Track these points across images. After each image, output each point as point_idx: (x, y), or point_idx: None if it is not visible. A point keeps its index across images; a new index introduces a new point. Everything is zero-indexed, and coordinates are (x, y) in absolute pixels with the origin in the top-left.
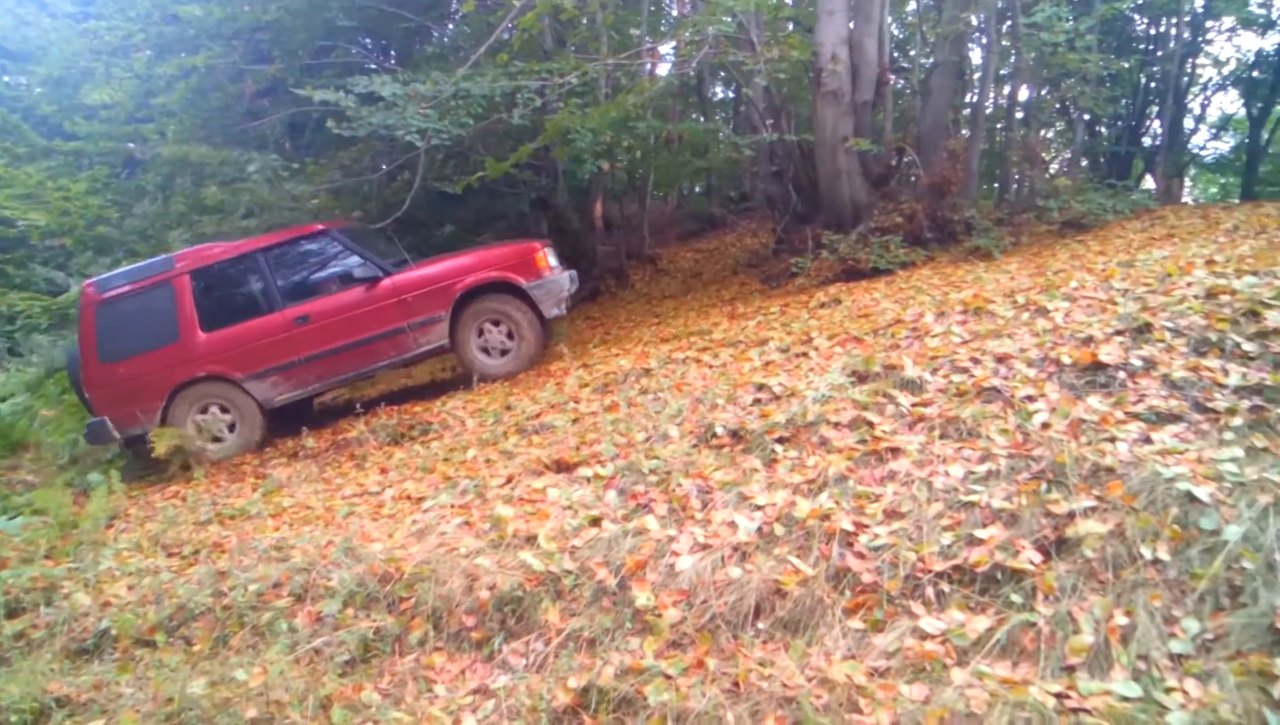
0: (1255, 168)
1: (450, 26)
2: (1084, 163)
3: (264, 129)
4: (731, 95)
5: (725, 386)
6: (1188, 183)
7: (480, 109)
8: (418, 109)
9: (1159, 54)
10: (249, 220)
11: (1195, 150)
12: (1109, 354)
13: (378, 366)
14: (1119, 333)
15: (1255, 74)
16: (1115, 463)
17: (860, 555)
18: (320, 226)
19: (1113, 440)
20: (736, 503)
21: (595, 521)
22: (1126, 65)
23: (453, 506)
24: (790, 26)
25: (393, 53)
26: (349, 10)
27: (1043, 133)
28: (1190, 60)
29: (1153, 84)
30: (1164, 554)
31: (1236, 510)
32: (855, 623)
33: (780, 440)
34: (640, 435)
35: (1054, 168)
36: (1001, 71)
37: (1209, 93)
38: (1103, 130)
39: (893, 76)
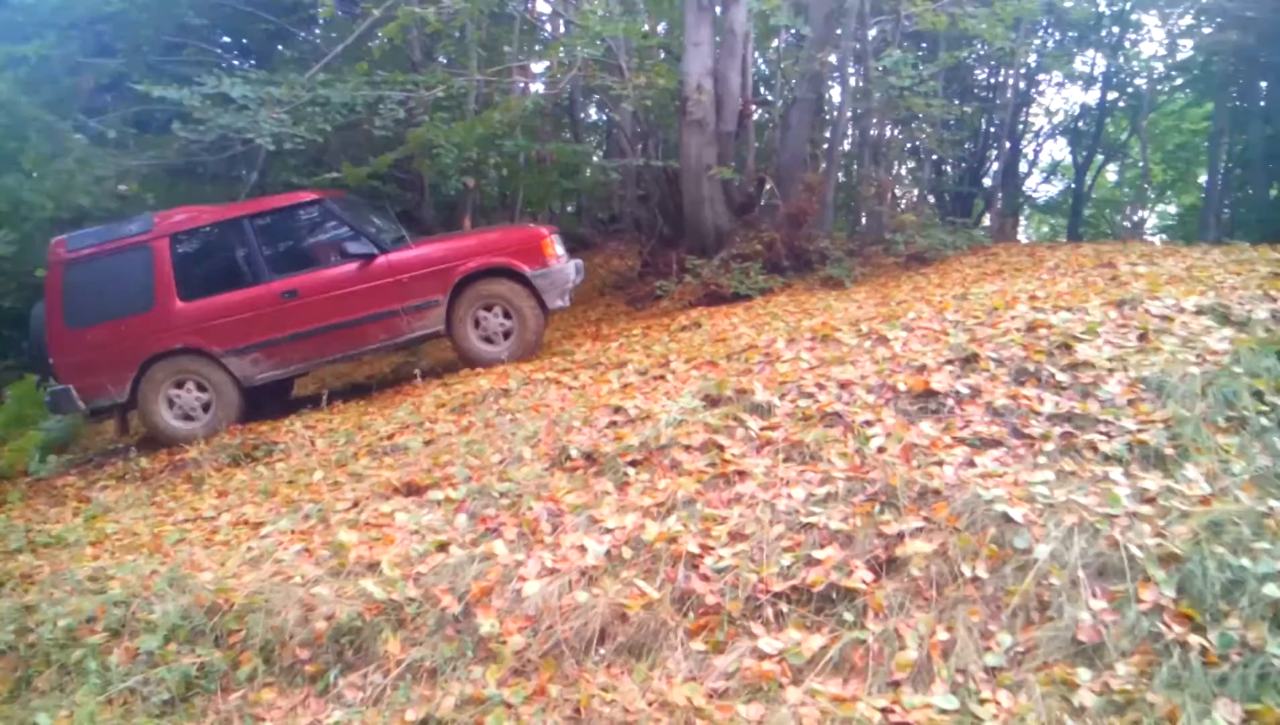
0: (1080, 211)
1: (317, 31)
2: (930, 200)
3: (104, 126)
4: (604, 118)
5: (583, 408)
6: (1022, 222)
7: (340, 116)
8: (270, 113)
9: (997, 102)
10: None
11: (1029, 192)
12: (940, 382)
13: (367, 349)
14: (949, 362)
15: (1080, 125)
16: (942, 485)
17: (705, 577)
18: (314, 195)
19: (940, 464)
20: (587, 526)
21: (442, 547)
22: (968, 111)
23: (293, 532)
24: (662, 55)
25: (252, 55)
26: (201, 7)
27: (894, 170)
28: (1025, 109)
29: (992, 129)
30: (983, 572)
31: (1046, 530)
32: (698, 644)
33: (633, 463)
34: (495, 457)
35: (904, 204)
36: (857, 111)
37: (1041, 140)
38: (948, 170)
39: (756, 109)
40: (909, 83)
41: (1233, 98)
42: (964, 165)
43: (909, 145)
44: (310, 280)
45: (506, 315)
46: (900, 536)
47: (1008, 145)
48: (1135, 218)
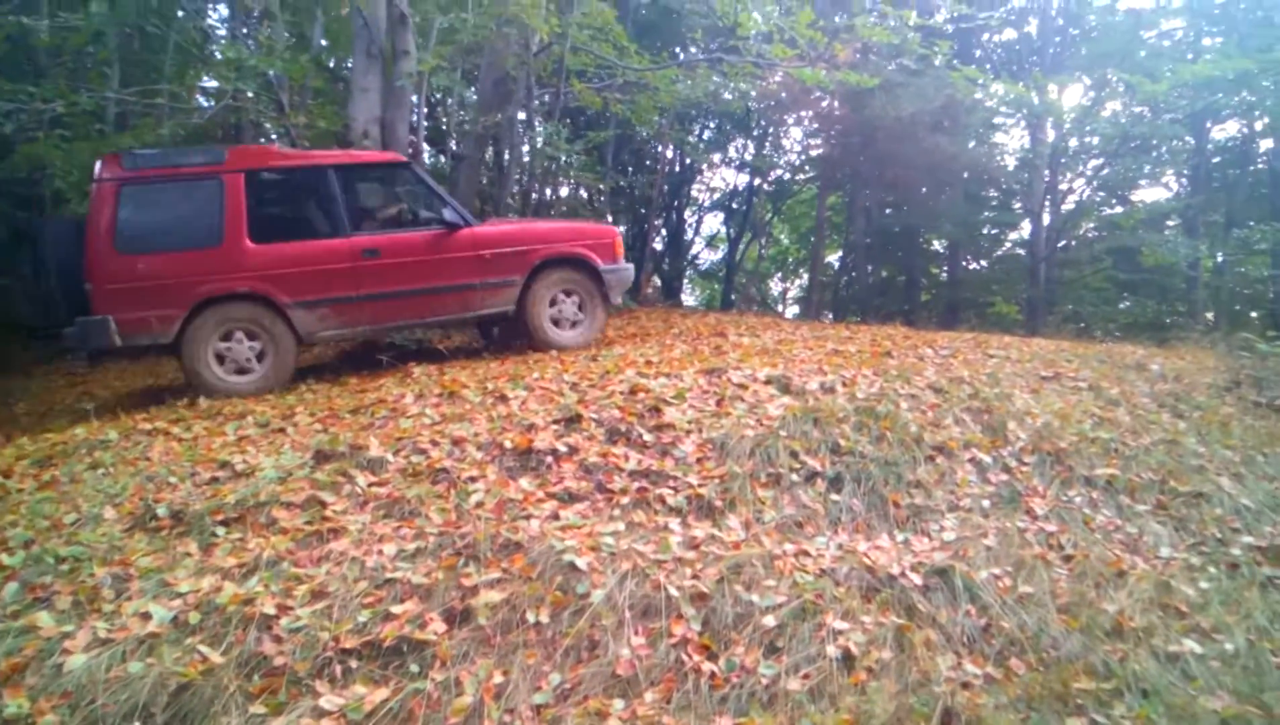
0: (732, 279)
1: None
2: None
3: None
4: None
5: (188, 462)
6: (687, 286)
7: None
8: None
9: (665, 173)
10: None
11: (693, 258)
12: (543, 441)
13: (436, 320)
14: (557, 421)
15: (734, 203)
16: (525, 538)
17: (277, 639)
18: (404, 157)
19: (529, 518)
20: (157, 591)
21: None
22: (629, 181)
23: None
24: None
25: None
26: None
27: None
28: (688, 184)
29: (660, 199)
30: (545, 617)
31: (605, 576)
32: (258, 708)
33: (225, 522)
34: (70, 517)
35: None
36: (521, 175)
37: (702, 212)
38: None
39: (425, 160)
40: (564, 154)
41: (847, 194)
42: (633, 231)
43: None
44: (394, 241)
45: (580, 305)
46: (476, 588)
47: (674, 216)
48: (779, 289)
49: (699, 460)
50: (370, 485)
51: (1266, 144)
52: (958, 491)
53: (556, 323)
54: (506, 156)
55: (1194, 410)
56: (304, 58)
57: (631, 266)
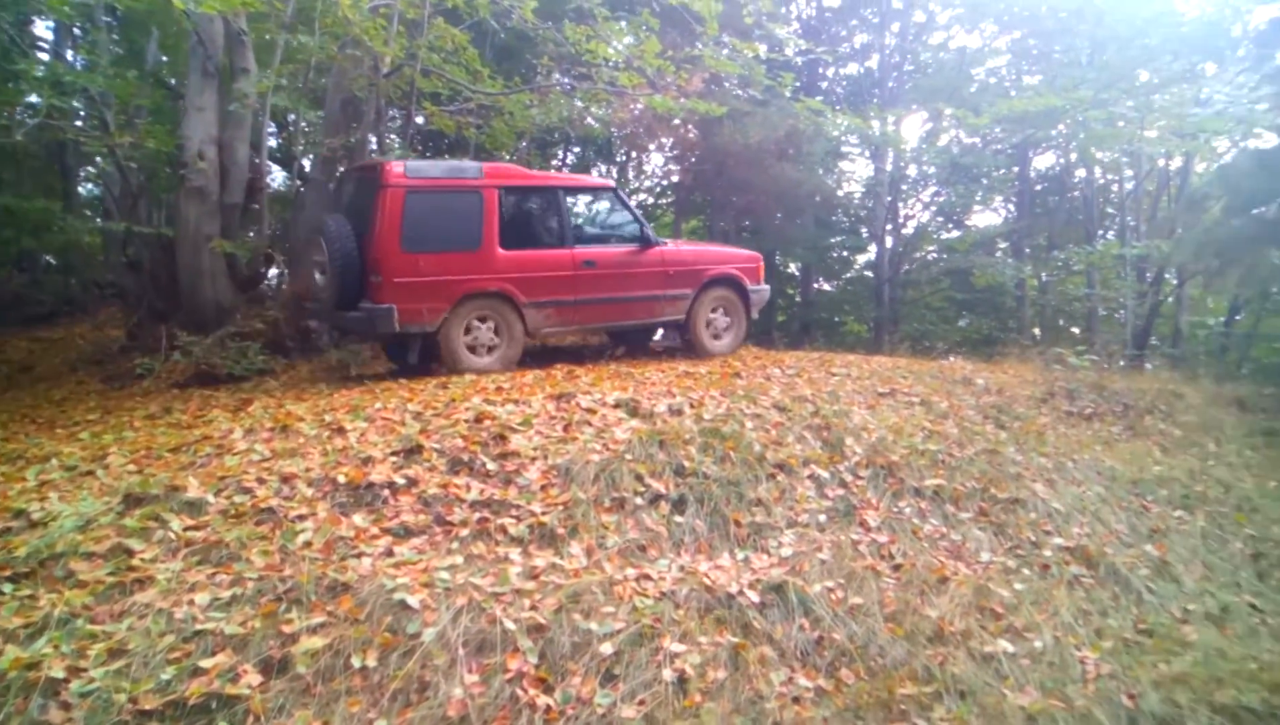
0: None
1: None
2: None
3: None
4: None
5: None
6: None
7: None
8: None
9: None
10: None
11: None
12: (380, 473)
13: (628, 324)
14: (395, 453)
15: None
16: (354, 578)
17: (65, 705)
18: (612, 182)
19: (360, 556)
20: None
21: None
22: None
23: None
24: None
25: None
26: None
27: None
28: None
29: None
30: (372, 661)
31: (438, 613)
32: None
33: (13, 578)
34: None
35: None
36: None
37: None
38: None
39: (270, 183)
40: None
41: (706, 219)
42: None
43: None
44: (605, 254)
45: (729, 319)
46: (297, 635)
47: None
48: None
49: (543, 487)
50: (185, 529)
51: (1081, 173)
52: (797, 507)
53: (715, 335)
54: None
55: (1014, 421)
56: (132, 74)
57: (768, 287)
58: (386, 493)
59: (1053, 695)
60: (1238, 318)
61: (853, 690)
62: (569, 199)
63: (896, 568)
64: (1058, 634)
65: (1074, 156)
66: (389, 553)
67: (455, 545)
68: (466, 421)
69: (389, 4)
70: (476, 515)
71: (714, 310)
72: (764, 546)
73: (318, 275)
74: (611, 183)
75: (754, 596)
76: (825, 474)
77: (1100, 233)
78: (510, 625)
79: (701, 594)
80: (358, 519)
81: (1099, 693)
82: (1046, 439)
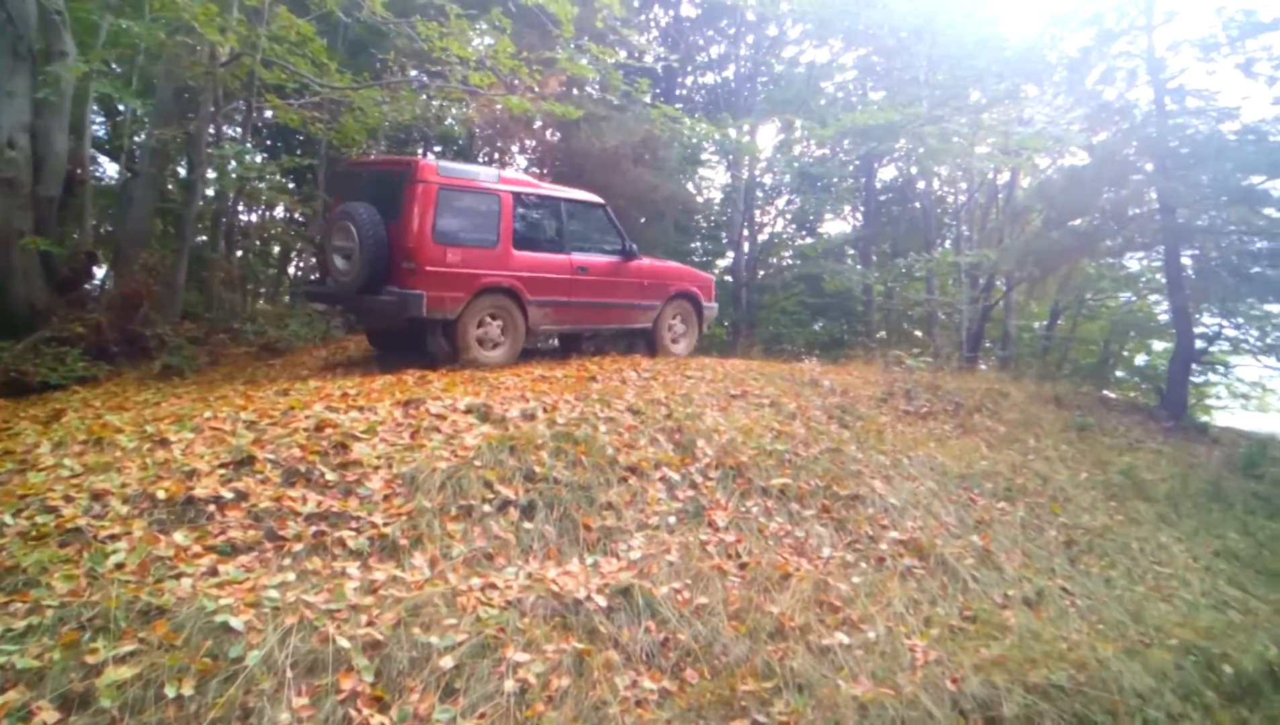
0: None
1: None
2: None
3: None
4: None
5: None
6: None
7: None
8: None
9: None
10: None
11: None
12: (205, 487)
13: (607, 328)
14: (224, 465)
15: None
16: (171, 601)
17: None
18: (601, 200)
19: (180, 577)
20: None
21: None
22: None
23: None
24: None
25: None
26: None
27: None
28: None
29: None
30: (189, 689)
31: (264, 634)
32: None
33: None
34: None
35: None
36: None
37: None
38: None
39: (98, 176)
40: (255, 172)
41: None
42: None
43: (271, 233)
44: (596, 263)
45: (684, 328)
46: (103, 665)
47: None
48: None
49: (386, 497)
50: None
51: (921, 185)
52: (647, 510)
53: (674, 340)
54: (193, 174)
55: (857, 420)
56: None
57: (716, 306)
58: (212, 508)
59: (884, 684)
60: (1059, 322)
61: (696, 690)
62: (569, 209)
63: (742, 566)
64: (890, 624)
65: (914, 169)
66: (213, 572)
67: (287, 561)
68: (306, 430)
69: None
70: (312, 529)
71: (674, 318)
72: (614, 550)
73: (339, 259)
74: (601, 200)
75: (601, 601)
76: (676, 476)
77: (938, 241)
78: (344, 643)
79: (548, 601)
80: (179, 537)
81: (926, 679)
82: (885, 437)
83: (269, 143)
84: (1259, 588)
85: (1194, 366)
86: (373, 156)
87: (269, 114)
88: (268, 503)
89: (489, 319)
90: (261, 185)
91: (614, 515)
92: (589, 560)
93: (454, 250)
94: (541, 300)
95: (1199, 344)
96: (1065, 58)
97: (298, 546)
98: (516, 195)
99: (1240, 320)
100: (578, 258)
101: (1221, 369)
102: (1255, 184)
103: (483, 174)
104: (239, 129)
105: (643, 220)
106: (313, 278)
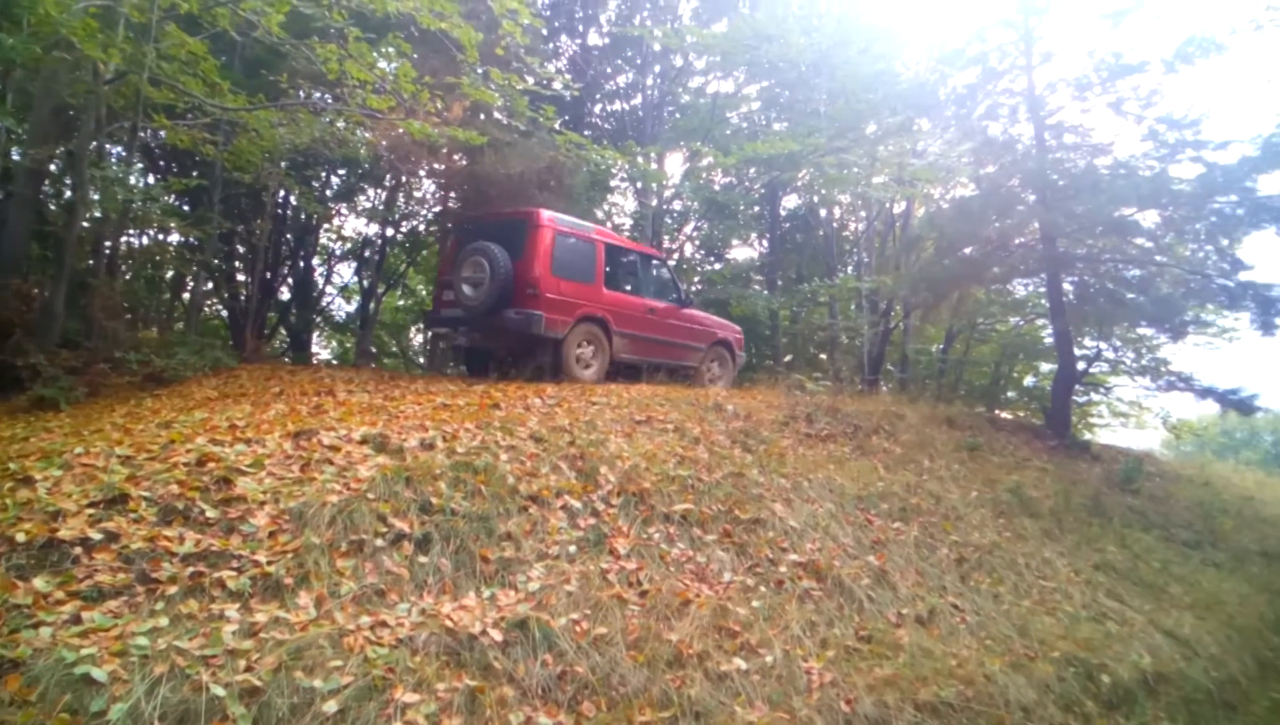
0: (367, 331)
1: None
2: (224, 314)
3: None
4: None
5: None
6: (319, 338)
7: None
8: None
9: (286, 220)
10: None
11: (328, 309)
12: (72, 529)
13: (663, 362)
14: (94, 504)
15: (367, 253)
16: (27, 652)
17: None
18: (663, 254)
19: (38, 626)
20: None
21: None
22: (249, 227)
23: None
24: None
25: None
26: None
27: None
28: (315, 232)
29: (280, 248)
30: None
31: (130, 685)
32: None
33: None
34: None
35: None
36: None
37: (334, 261)
38: (243, 281)
39: None
40: (140, 197)
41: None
42: (252, 280)
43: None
44: (660, 306)
45: (721, 368)
46: None
47: (300, 263)
48: (418, 341)
49: (272, 534)
50: None
51: (823, 213)
52: (548, 540)
53: (712, 379)
54: (75, 195)
55: (760, 444)
56: None
57: (744, 355)
58: (79, 550)
59: (779, 708)
60: (954, 345)
61: (593, 723)
62: (644, 261)
63: (643, 594)
64: (787, 647)
65: (816, 198)
66: (76, 619)
67: (160, 605)
68: (186, 465)
69: (109, 5)
70: (189, 569)
71: (713, 362)
72: (512, 582)
73: (468, 288)
74: (663, 254)
75: (497, 635)
76: (578, 504)
77: (840, 268)
78: (219, 691)
79: (442, 637)
80: (39, 583)
81: (821, 701)
82: (787, 461)
83: (161, 164)
84: (1134, 599)
85: (1076, 387)
86: (497, 208)
87: (163, 134)
88: (141, 543)
89: (584, 342)
90: (152, 208)
91: (513, 546)
92: (486, 593)
93: (564, 282)
94: (623, 332)
95: (1080, 365)
96: (954, 94)
97: (172, 589)
98: (607, 245)
99: (1118, 343)
100: (649, 301)
101: (1102, 389)
102: (1127, 215)
103: (583, 225)
104: (120, 149)
105: None
106: (427, 311)
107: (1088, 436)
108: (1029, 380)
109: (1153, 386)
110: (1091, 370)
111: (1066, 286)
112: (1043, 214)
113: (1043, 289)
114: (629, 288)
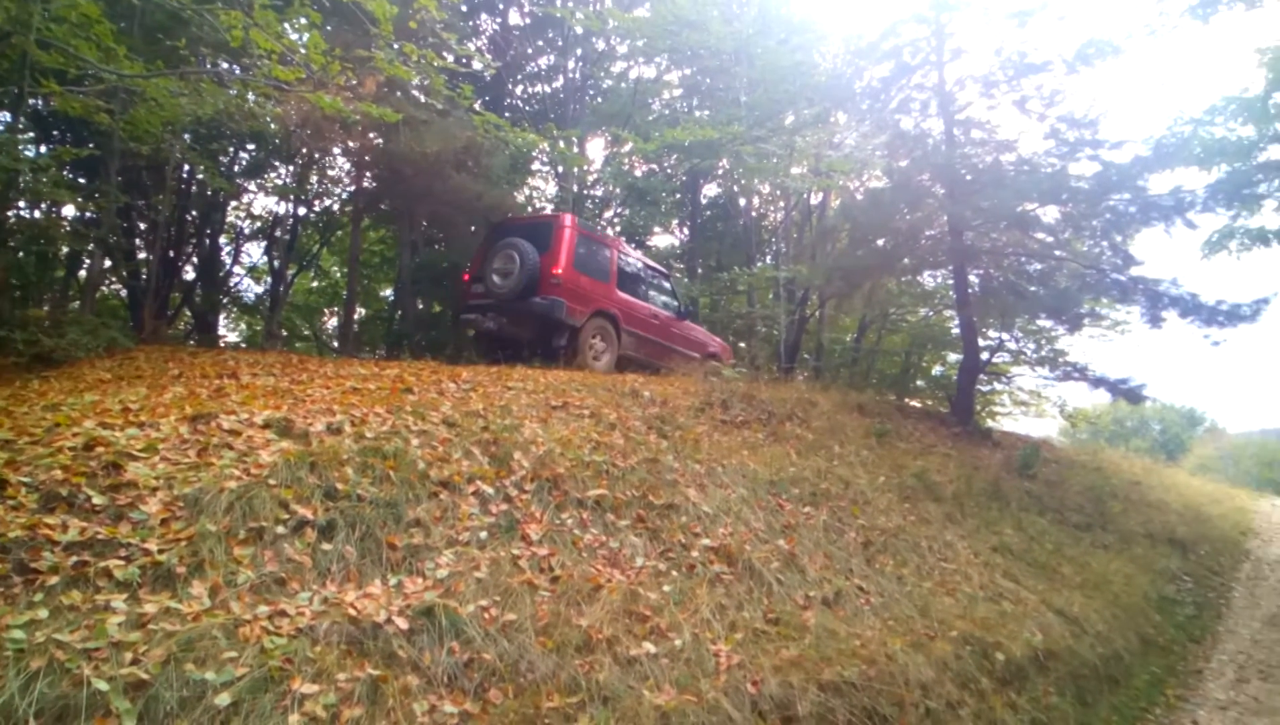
0: (276, 313)
1: None
2: (124, 295)
3: None
4: None
5: None
6: (226, 320)
7: None
8: None
9: (190, 195)
10: None
11: (236, 289)
12: None
13: (659, 364)
14: None
15: (278, 232)
16: None
17: None
18: (666, 269)
19: None
20: None
21: None
22: (150, 201)
23: None
24: None
25: None
26: None
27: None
28: (225, 207)
29: (189, 224)
30: None
31: (4, 680)
32: None
33: None
34: None
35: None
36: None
37: (242, 240)
38: (144, 259)
39: None
40: (24, 167)
41: (395, 227)
42: (153, 259)
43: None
44: (662, 314)
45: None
46: None
47: (206, 242)
48: (331, 324)
49: (164, 522)
50: None
51: (743, 202)
52: (458, 526)
53: None
54: None
55: (675, 430)
56: None
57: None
58: None
59: (687, 691)
60: (867, 334)
61: (499, 710)
62: (649, 272)
63: (554, 580)
64: (697, 631)
65: (736, 187)
66: None
67: (39, 597)
68: (72, 449)
69: None
70: (72, 559)
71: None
72: (419, 569)
73: (498, 277)
74: (666, 269)
75: (402, 623)
76: (490, 490)
77: (759, 256)
78: (103, 685)
79: (345, 626)
80: None
81: (728, 683)
82: (702, 446)
83: (55, 134)
84: (1029, 579)
85: (980, 376)
86: (529, 212)
87: (54, 101)
88: (19, 531)
89: (597, 335)
90: (41, 179)
91: (422, 533)
92: (392, 581)
93: (583, 277)
94: (630, 330)
95: (984, 356)
96: (869, 87)
97: (53, 579)
98: (620, 251)
99: (1019, 334)
100: (653, 307)
101: (1004, 378)
102: (1029, 210)
103: (602, 232)
104: (10, 116)
105: (472, 228)
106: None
107: (990, 424)
108: (937, 369)
109: (1051, 376)
110: (994, 360)
111: (972, 279)
112: (951, 207)
113: (951, 281)
114: (638, 293)
